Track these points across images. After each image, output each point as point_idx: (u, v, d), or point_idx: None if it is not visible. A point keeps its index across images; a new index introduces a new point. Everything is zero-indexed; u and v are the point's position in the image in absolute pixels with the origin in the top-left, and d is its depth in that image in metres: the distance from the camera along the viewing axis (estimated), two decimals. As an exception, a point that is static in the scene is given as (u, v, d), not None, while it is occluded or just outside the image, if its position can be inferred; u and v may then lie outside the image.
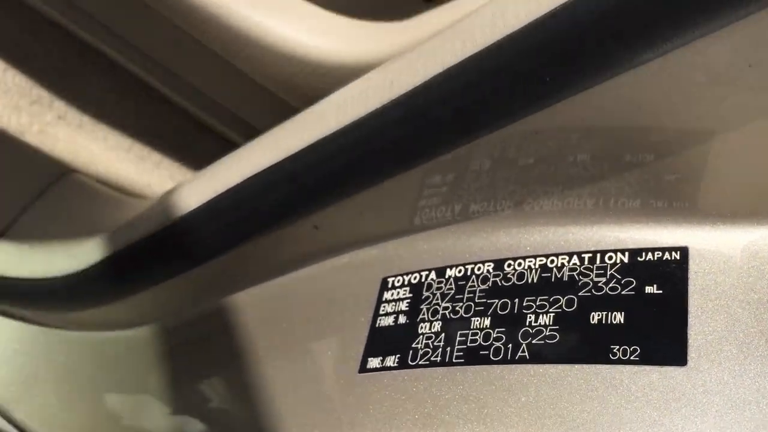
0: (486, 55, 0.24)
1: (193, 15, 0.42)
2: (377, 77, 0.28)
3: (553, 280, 0.28)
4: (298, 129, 0.30)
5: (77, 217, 0.52)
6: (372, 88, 0.28)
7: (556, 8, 0.23)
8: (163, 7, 0.43)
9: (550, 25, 0.23)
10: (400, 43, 0.38)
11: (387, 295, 0.31)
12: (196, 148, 0.59)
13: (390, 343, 0.29)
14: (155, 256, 0.39)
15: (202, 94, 0.53)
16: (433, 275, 0.31)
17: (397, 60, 0.27)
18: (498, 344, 0.27)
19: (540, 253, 0.29)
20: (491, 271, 0.30)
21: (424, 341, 0.29)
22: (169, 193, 0.38)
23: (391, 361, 0.29)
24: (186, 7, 0.41)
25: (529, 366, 0.26)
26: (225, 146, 0.59)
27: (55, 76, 0.57)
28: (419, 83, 0.26)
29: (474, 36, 0.24)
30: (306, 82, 0.41)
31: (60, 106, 0.58)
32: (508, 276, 0.29)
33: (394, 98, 0.27)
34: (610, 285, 0.27)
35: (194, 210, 0.35)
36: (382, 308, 0.31)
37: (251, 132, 0.54)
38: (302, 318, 0.34)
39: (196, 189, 0.35)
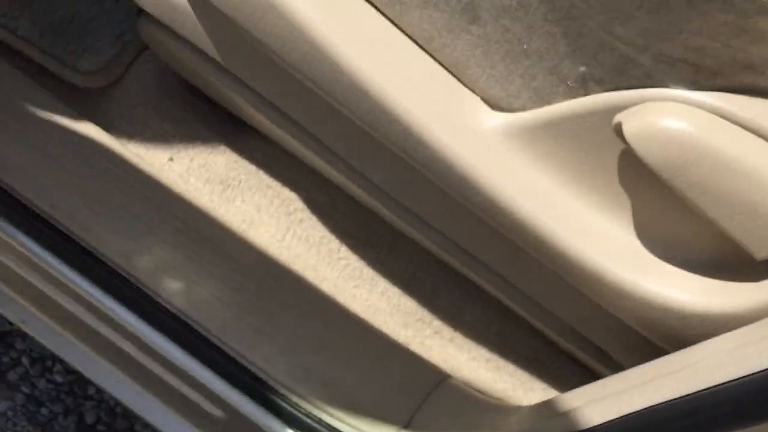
0: None
1: (572, 268, 0.56)
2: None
3: None
4: (700, 372, 0.42)
5: (458, 413, 0.67)
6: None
7: None
8: (545, 258, 0.58)
9: None
10: (754, 300, 0.49)
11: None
12: (545, 363, 0.72)
13: None
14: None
15: (558, 319, 0.66)
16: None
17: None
18: None
19: None
20: None
21: None
22: (570, 406, 0.51)
23: None
24: (567, 263, 0.56)
25: None
26: (570, 363, 0.72)
27: (437, 301, 0.75)
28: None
29: None
30: (667, 326, 0.53)
31: (437, 323, 0.75)
32: None
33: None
34: None
35: (598, 426, 0.47)
36: None
37: (600, 355, 0.66)
38: None
39: (601, 408, 0.47)
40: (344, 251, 0.76)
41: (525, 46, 0.51)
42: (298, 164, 0.77)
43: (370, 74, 0.55)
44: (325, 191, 0.77)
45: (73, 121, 0.72)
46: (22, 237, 0.68)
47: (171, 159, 0.75)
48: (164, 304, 0.69)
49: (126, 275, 0.68)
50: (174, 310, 0.69)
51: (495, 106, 0.56)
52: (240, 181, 0.76)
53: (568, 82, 0.51)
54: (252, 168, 0.76)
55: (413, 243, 0.75)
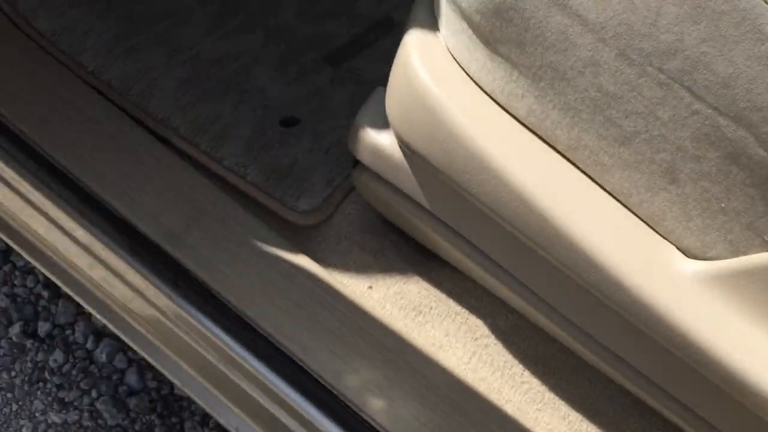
0: None
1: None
2: None
3: None
4: None
5: None
6: None
7: None
8: (741, 397, 0.61)
9: None
10: None
11: None
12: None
13: None
14: None
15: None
16: None
17: None
18: None
19: None
20: None
21: None
22: None
23: None
24: (764, 400, 0.59)
25: None
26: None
27: (619, 428, 0.79)
28: None
29: None
30: None
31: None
32: None
33: None
34: None
35: None
36: None
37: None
38: None
39: None
40: (527, 375, 0.82)
41: (723, 205, 0.57)
42: (484, 293, 0.84)
43: (573, 224, 0.63)
44: (510, 319, 0.83)
45: (290, 253, 0.83)
46: (249, 356, 0.78)
47: (370, 287, 0.84)
48: (369, 420, 0.76)
49: (337, 392, 0.77)
50: (377, 427, 0.76)
51: (689, 254, 0.62)
52: (431, 308, 0.84)
53: (765, 237, 0.57)
54: (442, 296, 0.84)
55: (595, 369, 0.80)
